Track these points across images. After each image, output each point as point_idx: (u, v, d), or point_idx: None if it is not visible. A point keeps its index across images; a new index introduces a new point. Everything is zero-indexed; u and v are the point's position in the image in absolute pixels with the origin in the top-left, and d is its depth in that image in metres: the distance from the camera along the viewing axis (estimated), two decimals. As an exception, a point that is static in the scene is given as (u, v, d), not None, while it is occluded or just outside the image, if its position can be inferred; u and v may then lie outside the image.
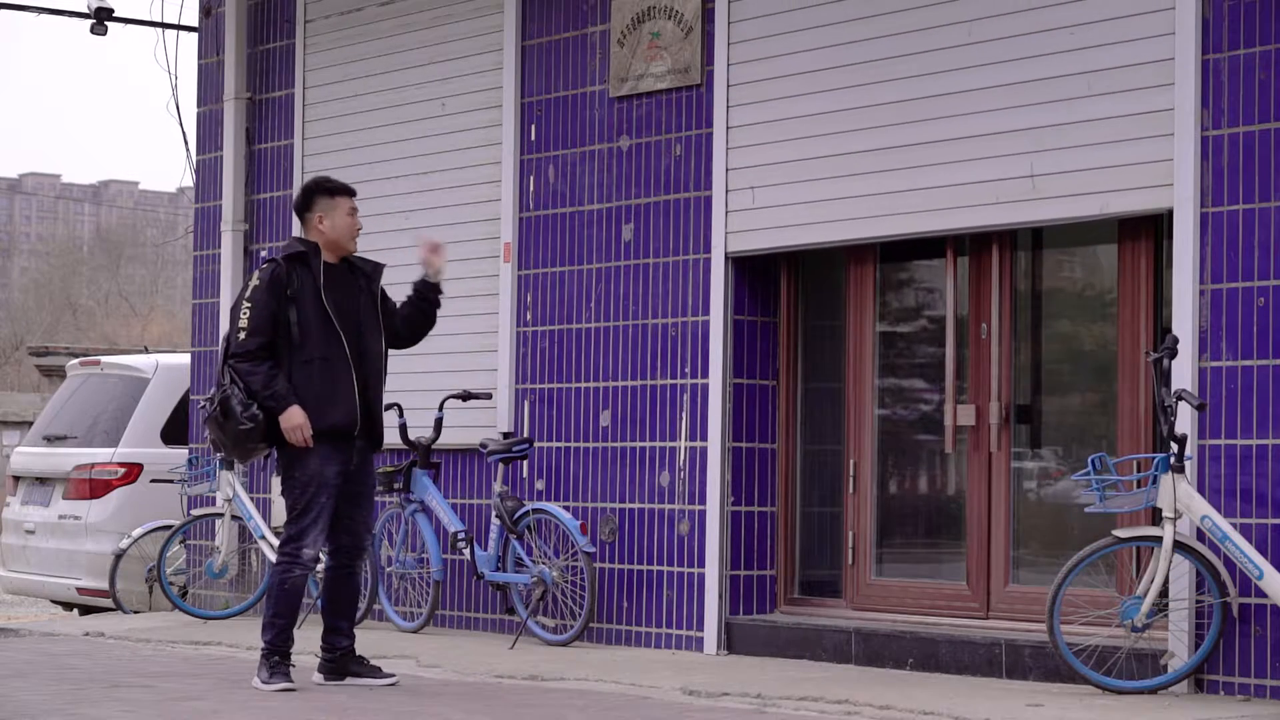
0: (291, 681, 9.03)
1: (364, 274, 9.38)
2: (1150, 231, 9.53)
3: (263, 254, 13.47)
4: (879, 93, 10.14)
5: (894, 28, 10.10)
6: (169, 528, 12.98)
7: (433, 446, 11.79)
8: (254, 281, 9.19)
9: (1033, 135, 9.55)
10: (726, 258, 10.78)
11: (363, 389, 9.20)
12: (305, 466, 9.10)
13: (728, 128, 10.81)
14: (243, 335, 9.09)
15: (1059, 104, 9.45)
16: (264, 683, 9.01)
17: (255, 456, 9.82)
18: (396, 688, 9.18)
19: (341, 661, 9.31)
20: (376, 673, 9.30)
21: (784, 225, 10.56)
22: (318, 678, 9.29)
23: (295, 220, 9.55)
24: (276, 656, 9.09)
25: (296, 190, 9.62)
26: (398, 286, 9.75)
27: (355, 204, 9.41)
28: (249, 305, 9.11)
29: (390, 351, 9.52)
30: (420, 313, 9.57)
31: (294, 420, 9.03)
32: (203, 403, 10.88)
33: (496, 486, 11.40)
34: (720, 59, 10.84)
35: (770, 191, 10.61)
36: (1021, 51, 9.60)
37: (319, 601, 12.14)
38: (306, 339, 9.10)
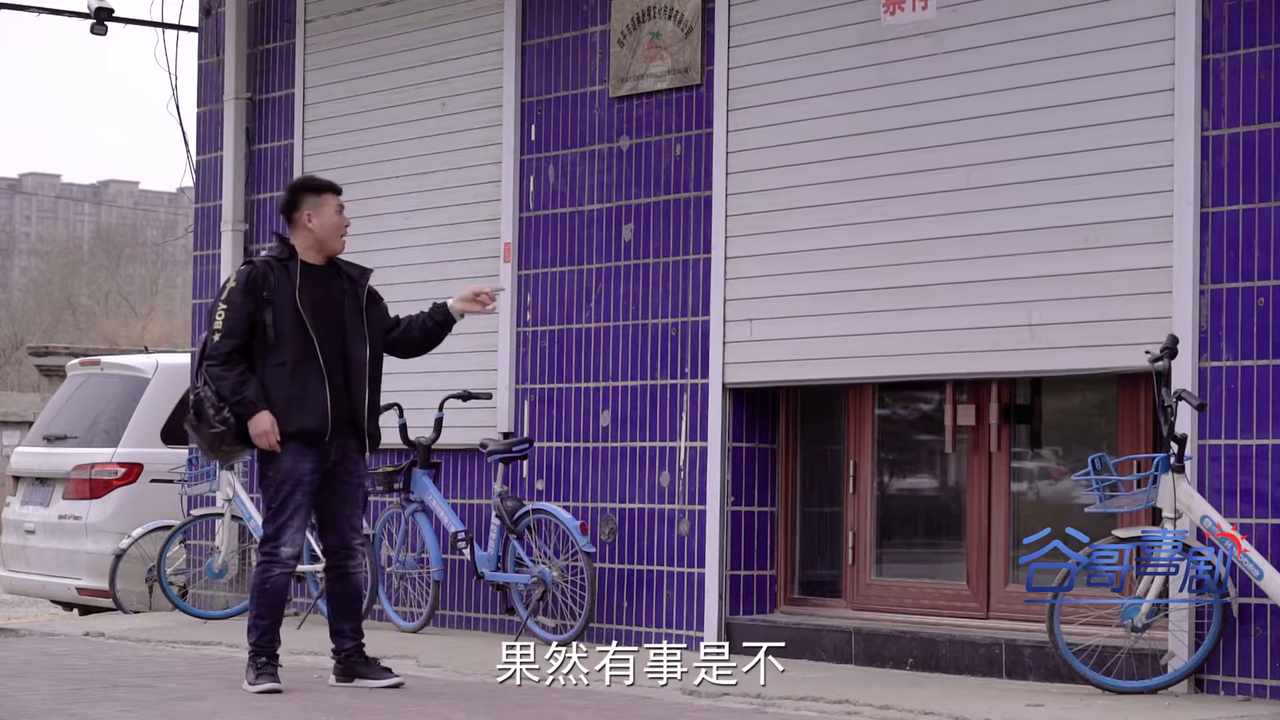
0: (278, 682, 8.95)
1: (350, 278, 9.24)
2: (1149, 378, 9.46)
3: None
4: (879, 231, 10.07)
5: (897, 166, 10.02)
6: (169, 528, 12.98)
7: (433, 446, 11.79)
8: (230, 283, 9.11)
9: (1031, 285, 9.48)
10: (725, 267, 10.80)
11: (340, 393, 9.06)
12: (278, 465, 9.03)
13: (728, 129, 10.80)
14: (217, 338, 9.00)
15: (1057, 255, 9.39)
16: (250, 684, 8.97)
17: (236, 458, 9.81)
18: (397, 688, 9.17)
19: (348, 663, 9.25)
20: (383, 674, 9.23)
21: (780, 360, 10.49)
22: (331, 679, 9.27)
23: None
24: (263, 657, 9.03)
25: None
26: (397, 287, 9.74)
27: (342, 201, 9.31)
28: (224, 307, 9.02)
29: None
30: (425, 336, 9.43)
31: (260, 427, 8.95)
32: None
33: (496, 486, 11.39)
34: (720, 59, 10.84)
35: (767, 325, 10.56)
36: (1019, 200, 9.53)
37: (319, 602, 12.19)
38: (280, 342, 8.99)
